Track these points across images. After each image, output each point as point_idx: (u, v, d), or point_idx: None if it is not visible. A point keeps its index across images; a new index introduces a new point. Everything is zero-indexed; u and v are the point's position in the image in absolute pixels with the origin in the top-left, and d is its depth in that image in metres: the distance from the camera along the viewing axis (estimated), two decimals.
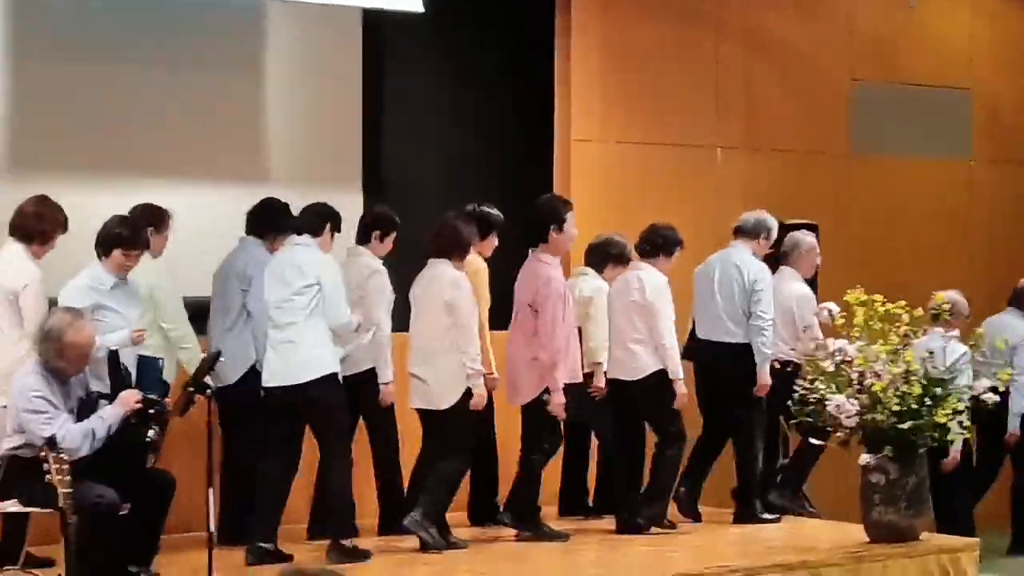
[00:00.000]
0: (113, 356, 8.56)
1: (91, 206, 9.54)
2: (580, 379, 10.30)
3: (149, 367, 8.62)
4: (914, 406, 9.92)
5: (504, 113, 12.26)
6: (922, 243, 13.41)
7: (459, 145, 12.02)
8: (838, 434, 10.19)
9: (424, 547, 9.65)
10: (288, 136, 11.31)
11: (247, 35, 11.11)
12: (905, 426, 9.91)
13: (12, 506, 8.08)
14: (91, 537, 7.58)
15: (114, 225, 8.85)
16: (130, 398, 8.12)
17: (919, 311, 10.30)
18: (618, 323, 10.76)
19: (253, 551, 9.22)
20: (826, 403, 10.04)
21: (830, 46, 13.56)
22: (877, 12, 13.82)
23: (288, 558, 9.26)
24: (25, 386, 8.00)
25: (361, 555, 9.45)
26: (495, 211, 10.62)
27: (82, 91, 10.44)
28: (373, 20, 11.31)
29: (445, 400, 9.84)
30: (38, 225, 9.02)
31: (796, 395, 10.30)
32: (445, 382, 9.83)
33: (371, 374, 10.06)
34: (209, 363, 8.48)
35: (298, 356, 9.39)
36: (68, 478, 7.22)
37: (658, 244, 10.86)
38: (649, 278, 10.70)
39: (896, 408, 9.91)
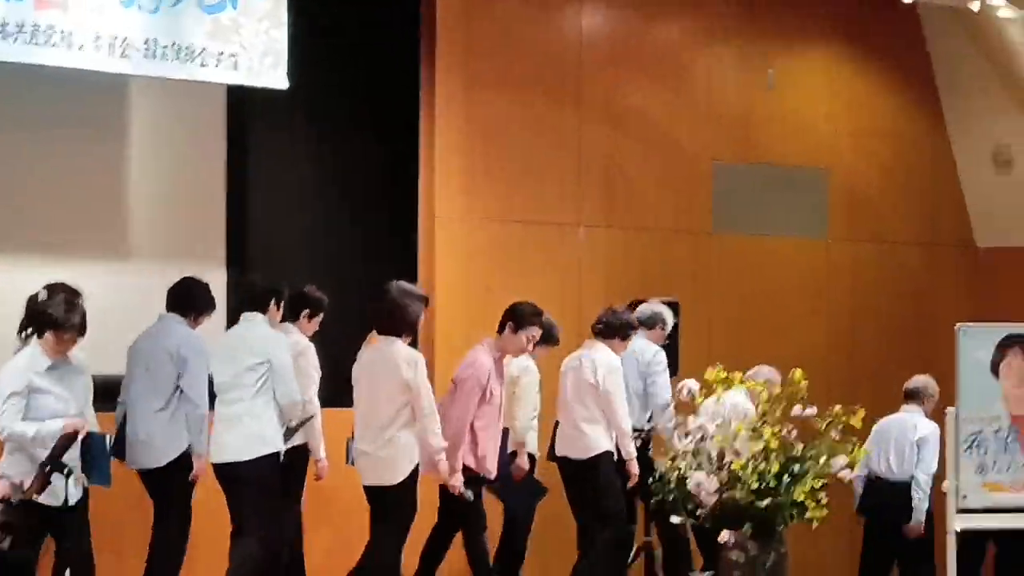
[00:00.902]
0: None
1: None
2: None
3: (95, 445, 8.40)
4: (772, 484, 9.95)
5: (368, 189, 12.24)
6: (782, 318, 13.51)
7: (324, 221, 12.01)
8: (699, 512, 10.18)
9: None
10: (151, 210, 11.19)
11: (110, 107, 10.97)
12: (763, 503, 9.94)
13: None
14: None
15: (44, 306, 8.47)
16: None
17: (777, 389, 10.34)
18: (569, 402, 10.90)
19: None
20: (686, 480, 10.05)
21: (691, 126, 13.65)
22: (737, 93, 13.96)
23: None
24: None
25: None
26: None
27: None
28: (237, 95, 11.19)
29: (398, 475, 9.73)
30: None
31: (656, 473, 10.29)
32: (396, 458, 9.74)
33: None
34: (66, 442, 8.22)
35: (244, 431, 9.50)
36: None
37: (615, 327, 10.92)
38: (603, 359, 10.80)
39: (755, 486, 9.93)
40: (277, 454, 9.61)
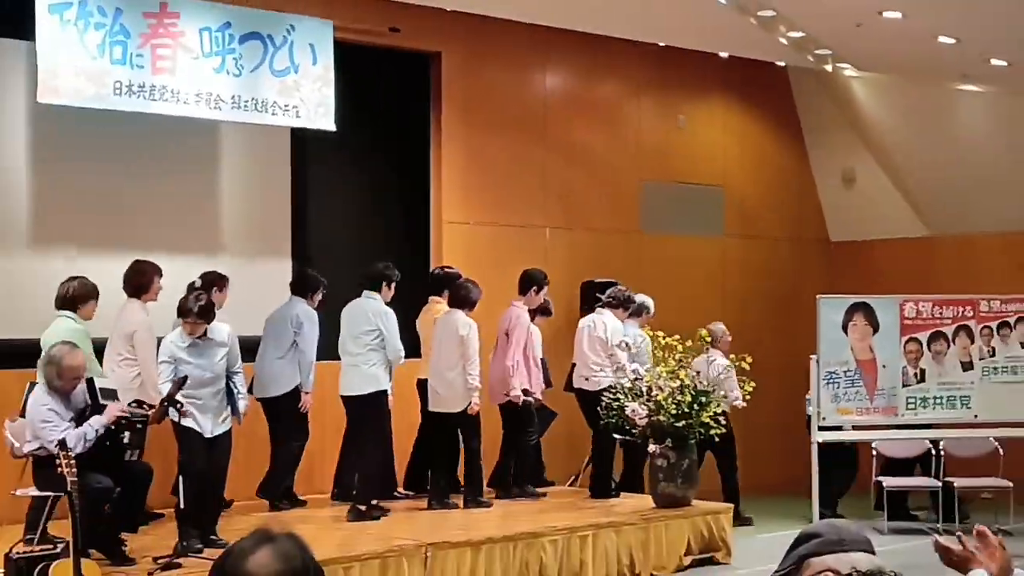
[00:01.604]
0: (89, 381, 8.12)
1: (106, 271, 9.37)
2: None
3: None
4: (686, 410, 10.03)
5: (393, 201, 12.28)
6: (691, 295, 13.55)
7: (360, 225, 12.00)
8: (634, 431, 10.25)
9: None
10: (236, 219, 11.19)
11: (207, 144, 10.96)
12: (680, 424, 10.02)
13: (32, 491, 7.86)
14: (92, 513, 7.44)
15: (184, 301, 8.45)
16: (113, 410, 7.91)
17: (689, 343, 10.42)
18: (585, 351, 10.88)
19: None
20: (624, 409, 10.11)
21: (624, 155, 13.66)
22: (657, 129, 13.98)
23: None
24: (36, 401, 7.79)
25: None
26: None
27: (92, 185, 10.28)
28: (298, 135, 11.21)
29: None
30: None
31: (603, 404, 10.35)
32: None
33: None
34: (178, 386, 8.27)
35: (360, 374, 9.57)
36: (74, 470, 7.10)
37: (620, 300, 11.11)
38: (611, 322, 10.89)
39: (674, 412, 10.00)
40: (385, 391, 9.67)
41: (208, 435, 8.33)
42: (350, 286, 10.27)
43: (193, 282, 9.45)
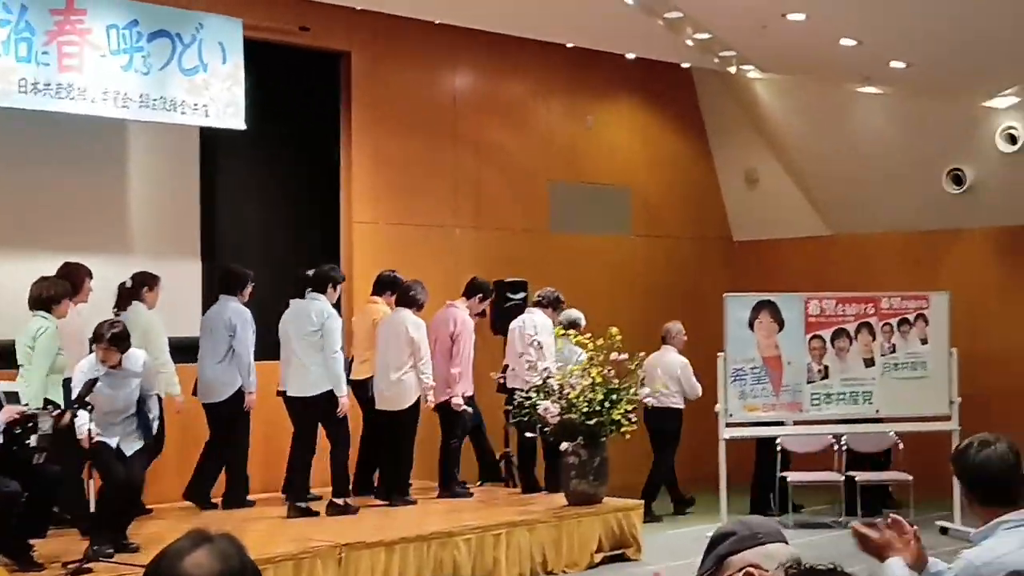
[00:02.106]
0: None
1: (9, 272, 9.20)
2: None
3: None
4: (597, 408, 10.08)
5: (304, 200, 12.19)
6: (599, 292, 13.60)
7: (271, 224, 11.90)
8: (545, 429, 10.28)
9: None
10: (144, 217, 11.03)
11: (114, 143, 10.79)
12: (592, 422, 10.07)
13: None
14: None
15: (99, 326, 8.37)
16: (7, 412, 7.75)
17: (600, 341, 10.48)
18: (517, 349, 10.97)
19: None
20: (537, 407, 10.15)
21: (533, 155, 13.70)
22: (566, 129, 14.04)
23: None
24: None
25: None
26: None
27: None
28: (207, 134, 11.08)
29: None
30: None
31: (515, 402, 10.37)
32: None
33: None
34: (87, 388, 8.12)
35: (311, 375, 9.68)
36: None
37: (549, 300, 11.30)
38: (541, 321, 11.03)
39: (585, 409, 10.05)
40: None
41: (120, 451, 8.24)
42: (261, 285, 10.21)
43: (124, 282, 9.36)
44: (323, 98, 12.18)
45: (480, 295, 10.97)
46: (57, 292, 8.70)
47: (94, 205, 10.66)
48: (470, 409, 10.63)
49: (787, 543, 2.82)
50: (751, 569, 2.76)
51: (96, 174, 10.68)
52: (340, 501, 9.72)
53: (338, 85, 12.22)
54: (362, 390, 10.51)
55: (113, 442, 8.20)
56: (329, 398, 9.69)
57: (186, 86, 10.13)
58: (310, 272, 10.06)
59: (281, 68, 11.64)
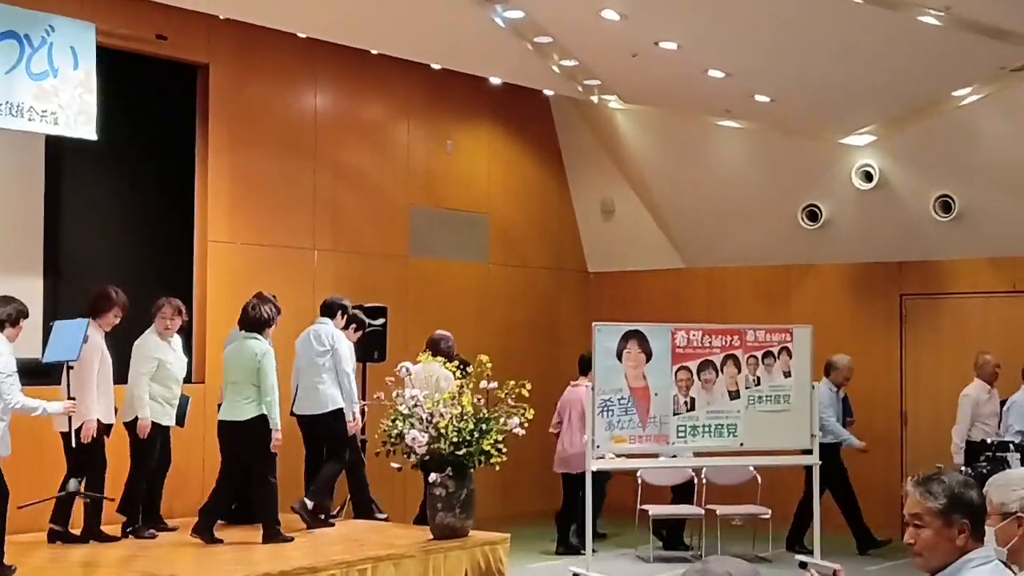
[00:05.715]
0: None
1: None
2: None
3: None
4: (467, 438, 9.67)
5: (157, 218, 11.58)
6: (458, 319, 13.25)
7: (120, 243, 11.27)
8: (411, 459, 9.82)
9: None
10: None
11: None
12: (461, 452, 9.66)
13: None
14: None
15: None
16: None
17: (470, 369, 10.08)
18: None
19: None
20: (404, 436, 9.68)
21: (393, 178, 13.35)
22: (426, 154, 13.74)
23: None
24: None
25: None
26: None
27: None
28: (54, 143, 10.39)
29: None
30: None
31: (381, 430, 9.88)
32: None
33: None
34: None
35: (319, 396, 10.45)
36: None
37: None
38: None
39: (454, 439, 9.63)
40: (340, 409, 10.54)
41: None
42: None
43: None
44: (180, 111, 11.64)
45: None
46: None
47: None
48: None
49: None
50: None
51: None
52: (322, 515, 10.30)
53: (195, 99, 11.68)
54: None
55: None
56: (336, 416, 10.44)
57: (34, 91, 9.54)
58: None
59: (137, 78, 11.10)
